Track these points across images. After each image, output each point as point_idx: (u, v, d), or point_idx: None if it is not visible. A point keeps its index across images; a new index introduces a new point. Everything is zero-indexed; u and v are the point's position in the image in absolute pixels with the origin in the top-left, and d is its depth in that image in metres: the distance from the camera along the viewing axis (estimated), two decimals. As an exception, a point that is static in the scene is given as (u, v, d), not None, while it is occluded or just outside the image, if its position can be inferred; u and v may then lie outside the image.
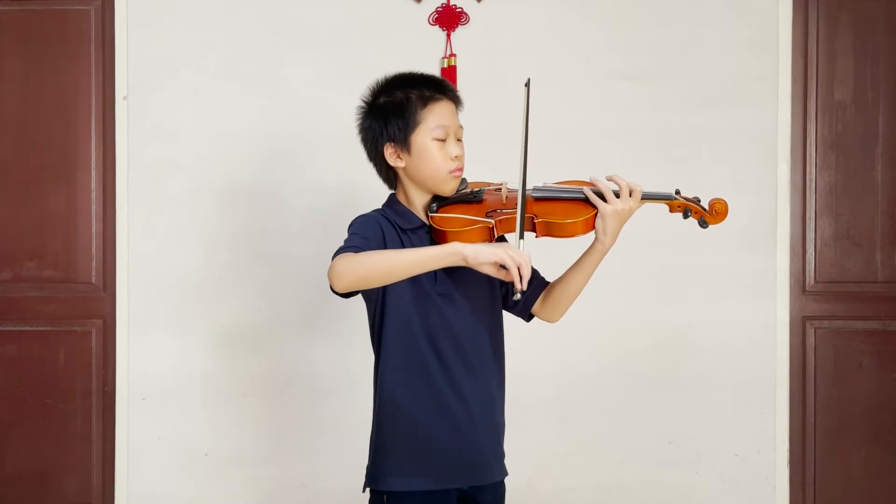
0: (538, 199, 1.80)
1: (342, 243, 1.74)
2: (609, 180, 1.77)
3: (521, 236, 1.68)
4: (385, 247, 1.77)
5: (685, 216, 1.79)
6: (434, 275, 1.79)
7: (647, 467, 2.95)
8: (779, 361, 2.94)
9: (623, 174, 1.77)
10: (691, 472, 2.95)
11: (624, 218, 1.75)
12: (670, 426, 2.94)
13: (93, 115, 2.97)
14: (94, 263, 2.98)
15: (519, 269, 1.60)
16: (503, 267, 1.62)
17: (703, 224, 1.80)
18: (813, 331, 2.97)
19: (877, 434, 2.97)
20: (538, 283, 1.92)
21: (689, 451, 2.95)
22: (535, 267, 1.93)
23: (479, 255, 1.62)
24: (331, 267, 1.66)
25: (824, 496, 2.96)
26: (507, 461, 1.90)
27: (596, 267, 1.82)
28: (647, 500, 2.94)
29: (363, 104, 1.86)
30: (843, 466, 2.97)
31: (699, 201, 1.81)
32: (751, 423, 2.94)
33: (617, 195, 1.75)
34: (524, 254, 1.63)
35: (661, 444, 2.95)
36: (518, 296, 1.63)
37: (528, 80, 1.80)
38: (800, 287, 2.98)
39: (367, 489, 1.84)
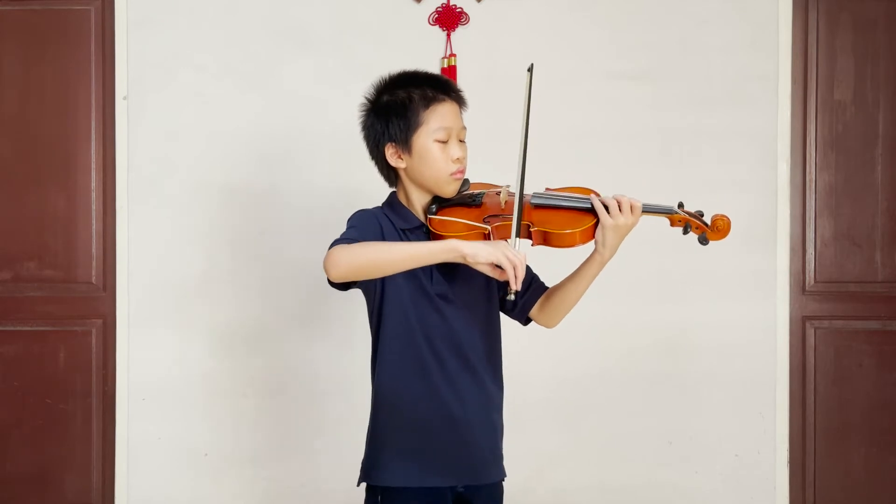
0: (536, 207, 1.77)
1: (338, 235, 1.74)
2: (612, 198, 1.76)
3: (518, 234, 1.68)
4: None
5: (685, 232, 1.76)
6: (431, 275, 1.79)
7: (647, 467, 2.95)
8: (779, 361, 2.94)
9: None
10: (691, 472, 2.95)
11: (623, 233, 1.74)
12: (670, 426, 2.94)
13: (93, 115, 2.97)
14: (94, 263, 2.98)
15: (514, 269, 1.62)
16: (499, 266, 1.64)
17: (704, 241, 1.76)
18: (813, 331, 2.97)
19: (877, 434, 2.97)
20: (537, 287, 1.92)
21: (689, 451, 2.95)
22: (535, 273, 1.94)
23: (477, 254, 1.63)
24: (327, 256, 1.66)
25: (824, 496, 2.96)
26: (505, 462, 1.89)
27: (594, 278, 1.82)
28: (647, 500, 2.94)
29: (367, 101, 1.85)
30: (843, 467, 2.97)
31: (702, 216, 1.78)
32: (751, 423, 2.94)
33: (620, 209, 1.73)
34: (521, 254, 1.64)
35: (661, 444, 2.95)
36: (512, 296, 1.65)
37: (531, 65, 1.78)
38: (800, 287, 2.97)
39: (362, 484, 1.84)
